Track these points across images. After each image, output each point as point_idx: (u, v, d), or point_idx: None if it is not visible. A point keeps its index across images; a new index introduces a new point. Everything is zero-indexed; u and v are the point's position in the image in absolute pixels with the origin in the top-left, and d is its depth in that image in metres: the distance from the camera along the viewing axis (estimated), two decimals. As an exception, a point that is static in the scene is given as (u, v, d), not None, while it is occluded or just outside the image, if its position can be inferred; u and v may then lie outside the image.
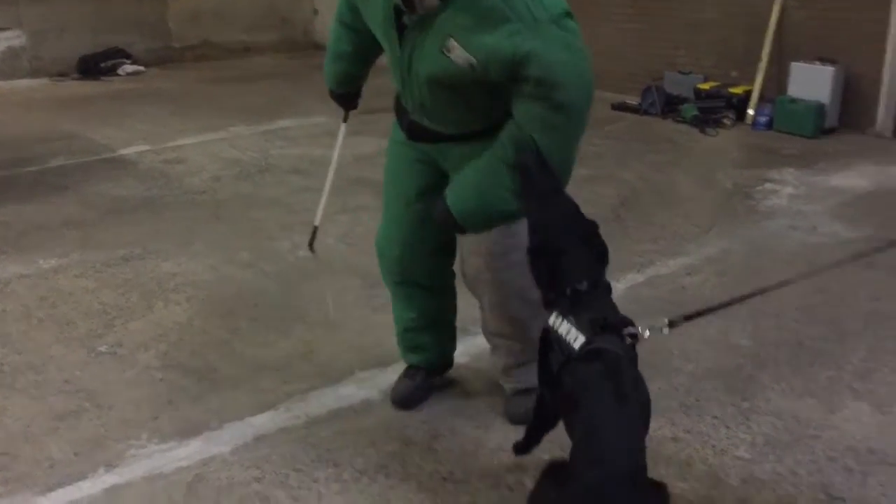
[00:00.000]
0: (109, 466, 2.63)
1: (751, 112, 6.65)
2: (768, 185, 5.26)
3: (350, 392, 3.02)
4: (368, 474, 2.57)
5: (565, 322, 2.01)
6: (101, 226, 4.70)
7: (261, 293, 3.82)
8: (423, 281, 2.74)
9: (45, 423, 2.86)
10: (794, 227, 4.56)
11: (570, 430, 1.96)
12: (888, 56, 6.15)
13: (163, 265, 4.14)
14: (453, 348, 2.99)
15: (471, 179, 2.30)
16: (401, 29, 2.30)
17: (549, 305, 2.10)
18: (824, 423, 2.79)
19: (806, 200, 4.99)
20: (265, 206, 4.99)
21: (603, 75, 7.96)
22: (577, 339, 1.96)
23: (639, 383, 2.00)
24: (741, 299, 2.25)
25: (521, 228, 2.29)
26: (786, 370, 3.12)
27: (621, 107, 7.23)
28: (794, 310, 3.56)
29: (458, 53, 2.17)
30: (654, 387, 2.97)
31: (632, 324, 2.03)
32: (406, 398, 2.90)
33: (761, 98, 6.68)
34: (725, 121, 6.62)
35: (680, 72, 7.21)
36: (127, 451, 2.70)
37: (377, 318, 3.51)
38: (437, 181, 2.53)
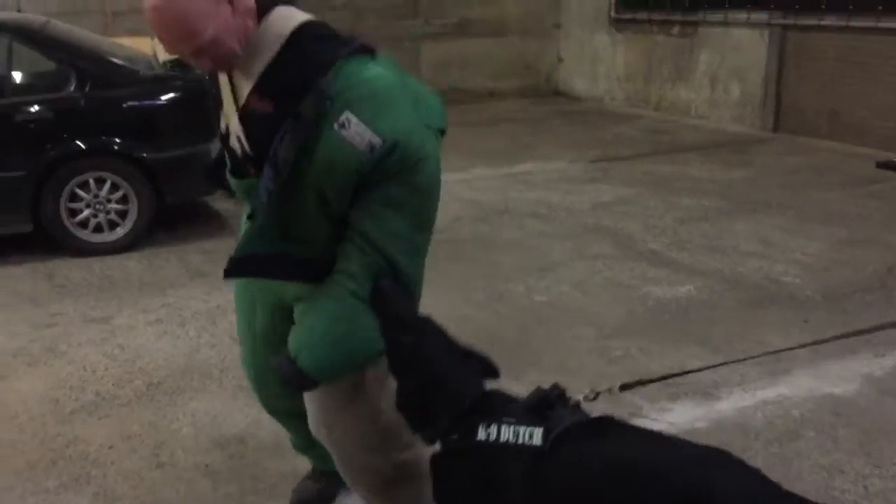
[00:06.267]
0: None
1: None
2: None
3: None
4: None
5: (503, 426, 1.76)
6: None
7: (496, 335, 3.85)
8: (294, 409, 2.32)
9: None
10: None
11: None
12: None
13: (404, 299, 4.30)
14: None
15: (320, 328, 1.92)
16: None
17: (456, 426, 1.83)
18: None
19: None
20: (502, 249, 5.06)
21: (868, 131, 7.49)
22: (532, 434, 1.73)
23: None
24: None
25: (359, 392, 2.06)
26: None
27: (887, 165, 6.64)
28: None
29: None
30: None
31: (562, 389, 1.82)
32: (303, 500, 2.63)
33: None
34: None
35: (961, 129, 6.52)
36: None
37: (611, 369, 3.42)
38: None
